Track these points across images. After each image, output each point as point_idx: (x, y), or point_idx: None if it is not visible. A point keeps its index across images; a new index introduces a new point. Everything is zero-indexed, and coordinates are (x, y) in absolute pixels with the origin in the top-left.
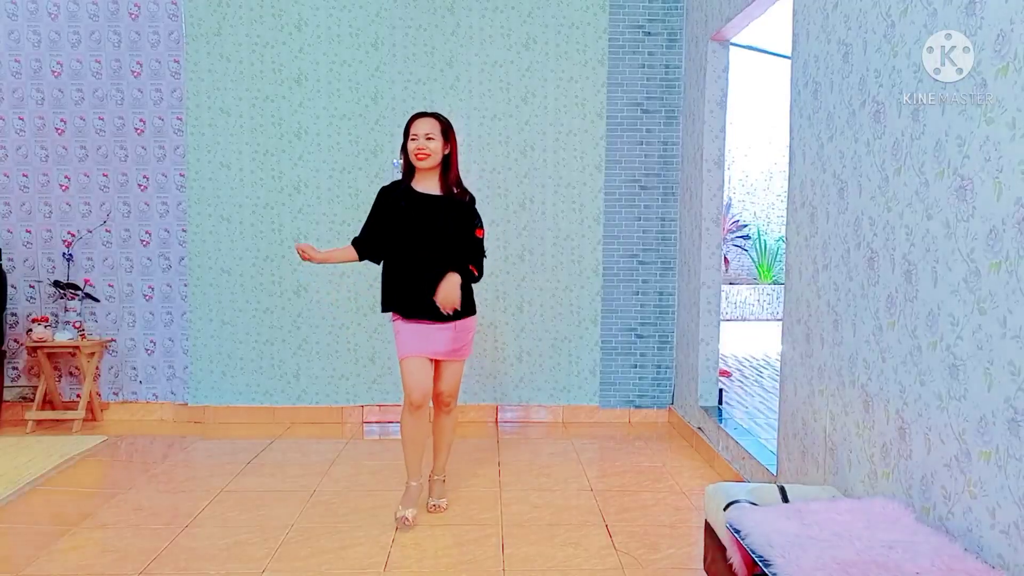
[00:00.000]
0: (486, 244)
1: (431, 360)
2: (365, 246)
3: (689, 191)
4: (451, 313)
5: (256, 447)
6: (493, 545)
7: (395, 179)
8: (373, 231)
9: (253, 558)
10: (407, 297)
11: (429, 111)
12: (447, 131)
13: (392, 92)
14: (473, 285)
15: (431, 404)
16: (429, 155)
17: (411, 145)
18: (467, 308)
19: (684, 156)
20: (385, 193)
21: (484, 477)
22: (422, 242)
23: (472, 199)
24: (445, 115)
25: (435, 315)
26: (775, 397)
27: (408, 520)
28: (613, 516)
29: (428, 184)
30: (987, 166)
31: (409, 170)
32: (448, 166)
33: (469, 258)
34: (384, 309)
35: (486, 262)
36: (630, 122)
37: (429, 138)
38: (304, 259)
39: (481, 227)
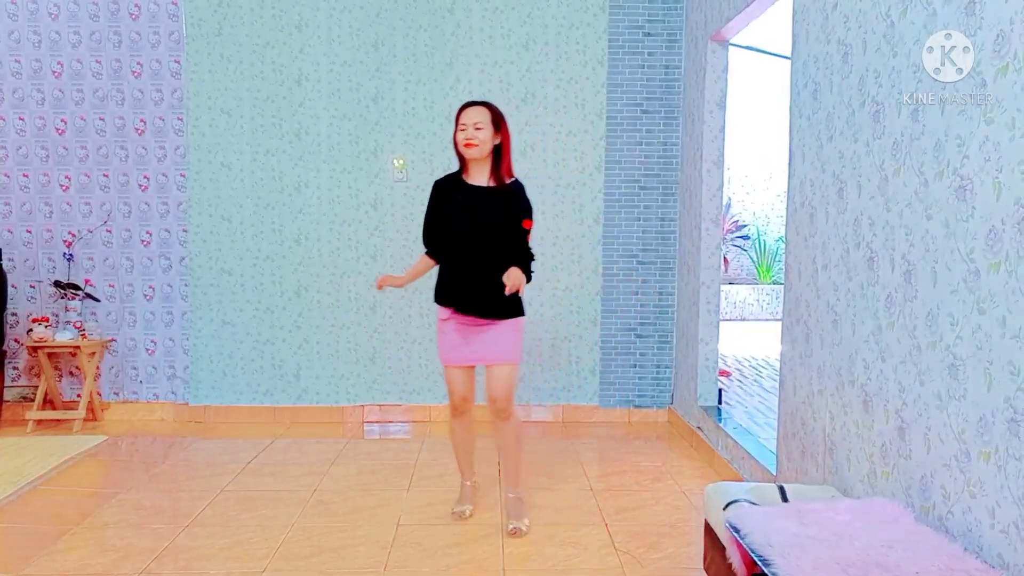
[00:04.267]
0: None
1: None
2: (434, 248)
3: (689, 191)
4: (510, 296)
5: (256, 447)
6: (493, 544)
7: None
8: (433, 228)
9: (254, 557)
10: (461, 292)
11: (479, 100)
12: (498, 120)
13: (392, 93)
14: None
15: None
16: (477, 145)
17: (460, 135)
18: (513, 308)
19: (684, 156)
20: (439, 186)
21: (484, 477)
22: (474, 236)
23: (519, 184)
24: (495, 105)
25: (485, 312)
26: (774, 397)
27: (465, 515)
28: (613, 516)
29: (479, 176)
30: (987, 166)
31: (461, 161)
32: (500, 157)
33: (520, 257)
34: (438, 301)
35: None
36: (630, 122)
37: (478, 127)
38: (385, 285)
39: (530, 217)
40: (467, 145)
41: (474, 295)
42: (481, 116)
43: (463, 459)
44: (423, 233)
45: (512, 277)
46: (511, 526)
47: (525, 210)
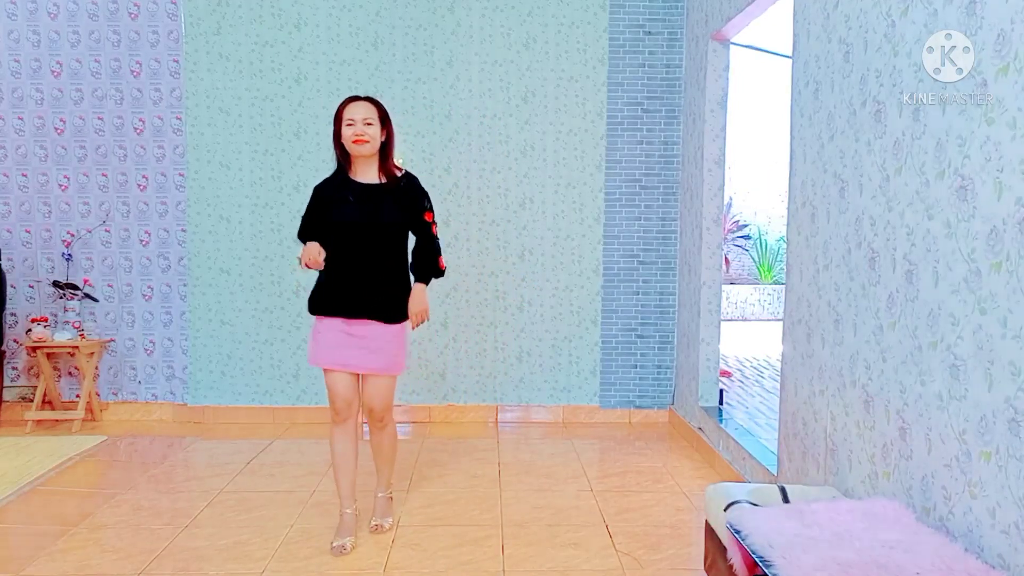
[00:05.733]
0: (438, 229)
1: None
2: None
3: (689, 191)
4: (398, 296)
5: (256, 447)
6: (493, 545)
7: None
8: (315, 232)
9: (253, 558)
10: (351, 298)
11: (363, 95)
12: (384, 117)
13: (392, 92)
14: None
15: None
16: (368, 141)
17: (347, 131)
18: (402, 310)
19: (684, 156)
20: (322, 190)
21: (484, 477)
22: (370, 235)
23: (412, 176)
24: (382, 102)
25: (378, 314)
26: (775, 397)
27: (346, 549)
28: (613, 516)
29: (367, 174)
30: (988, 166)
31: (344, 159)
32: (386, 153)
33: (427, 257)
34: (321, 312)
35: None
36: (630, 122)
37: (368, 123)
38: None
39: (430, 209)
40: (357, 141)
41: (367, 298)
42: (369, 112)
43: (344, 479)
44: (303, 240)
45: (417, 309)
46: (374, 523)
47: (425, 199)
